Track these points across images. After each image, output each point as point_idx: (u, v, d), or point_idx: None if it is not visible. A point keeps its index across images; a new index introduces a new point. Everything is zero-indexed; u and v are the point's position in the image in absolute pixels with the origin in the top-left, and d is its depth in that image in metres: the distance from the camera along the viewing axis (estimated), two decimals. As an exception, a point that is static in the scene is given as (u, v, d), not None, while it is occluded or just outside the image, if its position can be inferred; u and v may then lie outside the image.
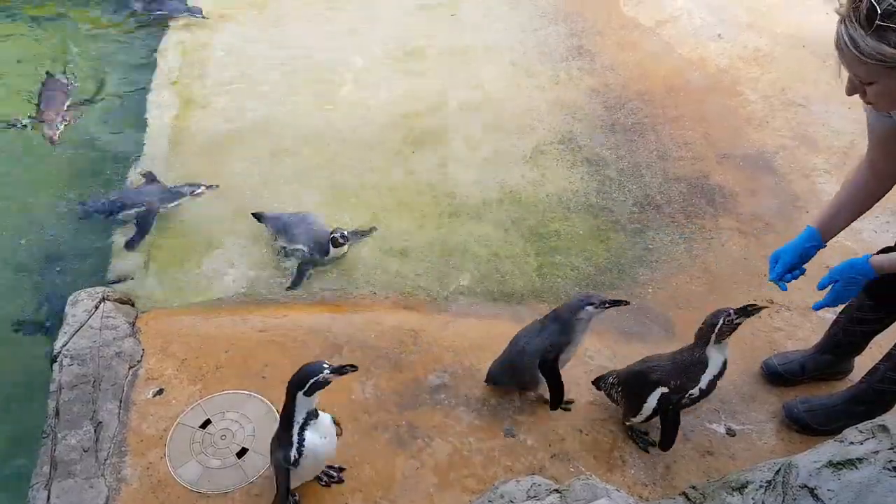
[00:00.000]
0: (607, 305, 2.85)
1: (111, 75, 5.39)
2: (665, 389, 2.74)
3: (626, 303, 2.91)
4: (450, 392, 3.20)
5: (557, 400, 3.02)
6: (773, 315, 3.52)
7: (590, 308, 2.85)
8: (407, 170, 4.55)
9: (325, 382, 2.48)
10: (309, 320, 3.54)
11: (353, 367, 2.48)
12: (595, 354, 3.38)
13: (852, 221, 2.60)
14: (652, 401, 2.79)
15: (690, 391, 2.70)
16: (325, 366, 2.47)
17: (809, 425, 2.99)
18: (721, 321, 2.62)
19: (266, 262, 3.96)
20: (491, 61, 5.50)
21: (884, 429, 2.22)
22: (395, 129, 4.88)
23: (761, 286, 3.68)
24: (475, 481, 2.87)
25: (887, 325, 2.93)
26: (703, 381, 2.69)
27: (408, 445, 3.00)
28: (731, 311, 2.62)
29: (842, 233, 3.91)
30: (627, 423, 3.01)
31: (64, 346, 3.32)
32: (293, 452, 2.54)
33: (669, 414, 2.77)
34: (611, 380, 3.02)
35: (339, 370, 2.47)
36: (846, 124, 4.72)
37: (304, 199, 4.32)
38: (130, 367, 3.30)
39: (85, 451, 2.94)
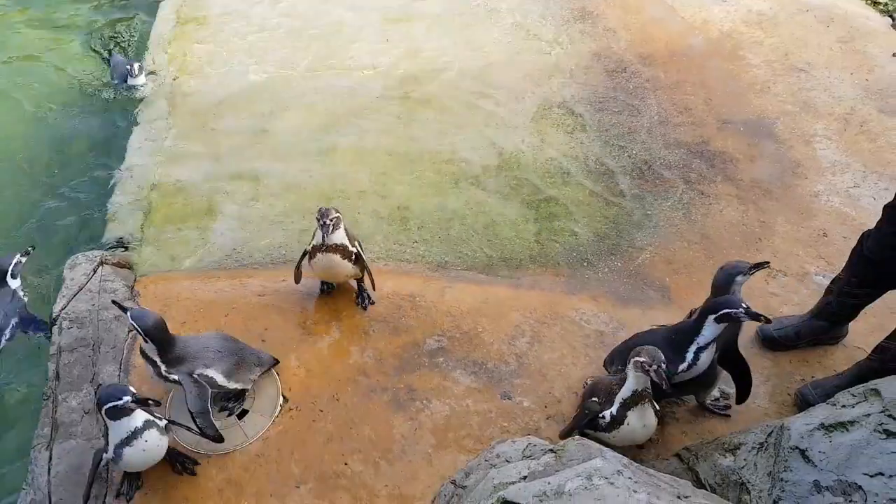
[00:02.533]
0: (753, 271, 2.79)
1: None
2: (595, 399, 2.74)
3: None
4: (448, 356, 3.23)
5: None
6: (770, 280, 3.54)
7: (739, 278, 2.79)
8: (406, 135, 4.51)
9: (737, 319, 2.65)
10: (307, 285, 3.54)
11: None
12: (591, 318, 3.40)
13: None
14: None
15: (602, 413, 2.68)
16: (744, 304, 2.63)
17: None
18: (643, 360, 2.52)
19: (265, 225, 3.95)
20: (492, 24, 5.41)
21: (876, 393, 2.25)
22: (394, 94, 4.82)
23: (758, 252, 3.69)
24: (472, 442, 2.92)
25: (876, 298, 2.96)
26: (615, 405, 2.64)
27: (406, 407, 3.04)
28: (659, 362, 2.50)
29: (840, 199, 3.96)
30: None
31: (63, 309, 3.33)
32: (683, 365, 2.74)
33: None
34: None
35: (753, 313, 2.61)
36: (848, 90, 4.68)
37: (299, 163, 4.29)
38: (130, 331, 3.31)
39: (86, 413, 2.98)
